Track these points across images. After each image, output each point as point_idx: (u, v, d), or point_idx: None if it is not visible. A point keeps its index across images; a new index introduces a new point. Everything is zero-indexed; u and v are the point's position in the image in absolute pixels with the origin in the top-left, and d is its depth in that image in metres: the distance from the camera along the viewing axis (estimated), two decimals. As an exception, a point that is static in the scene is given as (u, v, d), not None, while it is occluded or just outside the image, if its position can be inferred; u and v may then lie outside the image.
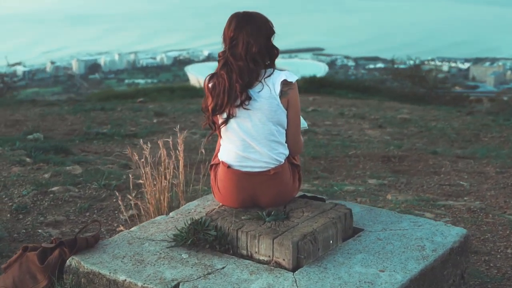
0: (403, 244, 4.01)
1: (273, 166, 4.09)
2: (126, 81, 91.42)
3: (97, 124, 12.25)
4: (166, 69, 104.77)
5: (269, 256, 3.79)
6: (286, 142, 4.20)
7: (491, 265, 5.00)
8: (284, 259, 3.73)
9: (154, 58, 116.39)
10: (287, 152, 4.17)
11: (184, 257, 3.88)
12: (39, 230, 5.46)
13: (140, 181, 4.95)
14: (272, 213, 4.07)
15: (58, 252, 3.97)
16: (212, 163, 4.31)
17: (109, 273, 3.73)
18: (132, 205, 5.20)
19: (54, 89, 76.39)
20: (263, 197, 4.15)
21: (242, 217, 4.05)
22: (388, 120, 13.41)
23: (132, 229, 4.36)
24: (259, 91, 4.01)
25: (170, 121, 12.77)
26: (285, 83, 4.04)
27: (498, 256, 5.15)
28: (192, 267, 3.74)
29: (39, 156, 7.94)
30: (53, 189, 6.46)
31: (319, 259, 3.82)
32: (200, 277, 3.64)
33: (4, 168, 7.44)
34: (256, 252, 3.84)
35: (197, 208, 4.60)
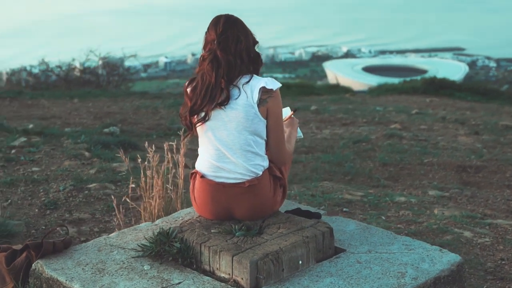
0: (382, 269, 3.70)
1: (248, 178, 3.87)
2: (264, 75, 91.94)
3: (185, 119, 12.25)
4: (304, 65, 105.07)
5: (229, 274, 3.58)
6: (267, 153, 3.96)
7: (514, 294, 4.59)
8: (242, 278, 3.51)
9: (293, 53, 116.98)
10: (265, 164, 3.93)
11: (145, 268, 3.72)
12: (57, 228, 5.43)
13: (132, 185, 4.83)
14: (243, 227, 3.85)
15: (25, 255, 3.91)
16: (192, 171, 4.12)
17: (65, 281, 3.64)
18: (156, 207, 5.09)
19: (194, 80, 77.86)
20: (238, 210, 3.94)
21: (212, 230, 3.86)
22: (489, 126, 12.74)
23: (111, 235, 4.25)
24: (236, 98, 3.81)
25: (260, 119, 12.61)
26: (264, 91, 3.81)
27: (526, 284, 4.72)
28: (148, 280, 3.58)
29: (97, 151, 7.98)
30: (90, 185, 6.46)
31: (282, 280, 3.58)
32: (151, 293, 3.47)
33: (58, 161, 7.52)
34: (217, 269, 3.64)
35: (186, 216, 4.43)
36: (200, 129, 3.92)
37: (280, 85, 3.90)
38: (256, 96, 3.80)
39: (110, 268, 3.75)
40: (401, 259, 3.84)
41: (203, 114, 3.86)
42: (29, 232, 5.38)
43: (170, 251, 3.77)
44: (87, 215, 5.76)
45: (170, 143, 5.03)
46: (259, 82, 3.82)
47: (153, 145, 5.04)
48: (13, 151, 8.03)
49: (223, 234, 3.81)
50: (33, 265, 3.86)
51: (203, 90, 3.84)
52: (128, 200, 4.90)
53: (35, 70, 24.16)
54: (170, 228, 3.89)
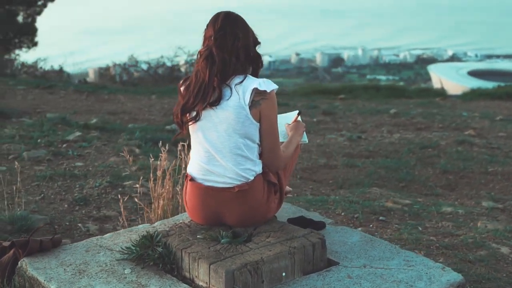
0: (372, 286, 3.46)
1: (238, 182, 3.70)
2: (368, 76, 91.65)
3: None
4: (408, 67, 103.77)
5: (207, 282, 3.42)
6: (261, 158, 3.78)
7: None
8: (218, 288, 3.34)
9: (397, 55, 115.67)
10: (257, 168, 3.74)
11: (126, 272, 3.61)
12: (79, 224, 5.40)
13: (137, 185, 4.74)
14: (229, 234, 3.68)
15: (12, 252, 3.85)
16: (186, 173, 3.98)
17: (44, 280, 3.56)
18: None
19: (297, 80, 78.10)
20: (228, 216, 3.78)
21: (198, 236, 3.70)
22: None
23: (105, 235, 4.16)
24: (228, 99, 3.64)
25: (331, 121, 12.39)
26: (258, 92, 3.62)
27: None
28: (124, 285, 3.46)
29: (146, 148, 7.94)
30: (126, 183, 6.40)
31: (261, 292, 3.39)
32: (124, 298, 3.35)
33: (104, 157, 7.51)
34: (196, 277, 3.49)
35: (187, 219, 4.28)
36: (191, 129, 3.79)
37: (276, 87, 3.69)
38: (248, 97, 3.61)
39: (91, 270, 3.65)
40: (397, 275, 3.59)
41: (194, 113, 3.72)
42: (51, 228, 5.34)
43: (152, 255, 3.64)
44: (115, 212, 5.69)
45: (183, 143, 4.89)
46: (252, 83, 3.63)
47: (167, 145, 4.92)
48: (64, 145, 8.08)
49: (208, 240, 3.66)
50: (19, 263, 3.80)
51: (196, 88, 3.69)
52: (136, 200, 4.80)
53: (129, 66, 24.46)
54: (155, 231, 3.77)
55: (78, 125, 9.53)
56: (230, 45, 3.66)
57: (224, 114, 3.64)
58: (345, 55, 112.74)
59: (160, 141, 5.18)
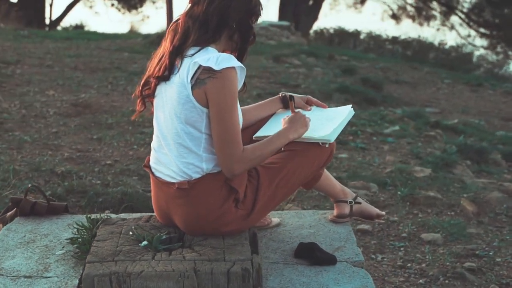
0: None
1: (181, 179, 3.01)
2: None
3: None
4: None
5: (87, 283, 2.89)
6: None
7: None
8: (85, 291, 2.81)
9: None
10: (205, 166, 2.98)
11: (57, 252, 3.25)
12: (30, 186, 5.05)
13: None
14: (151, 238, 3.03)
15: (15, 210, 3.75)
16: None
17: (-3, 244, 3.39)
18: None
19: None
20: (174, 216, 3.12)
21: (130, 232, 3.13)
22: None
23: (121, 214, 3.83)
24: (176, 74, 2.98)
25: None
26: (205, 69, 2.88)
27: None
28: (34, 264, 3.13)
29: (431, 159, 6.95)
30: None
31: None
32: (13, 277, 3.02)
33: (380, 154, 6.83)
34: (93, 274, 2.97)
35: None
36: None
37: (237, 65, 2.86)
38: (191, 74, 2.89)
39: (39, 242, 3.37)
40: None
41: (151, 88, 3.12)
42: (40, 192, 5.10)
43: (82, 240, 3.21)
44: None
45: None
46: (200, 57, 2.90)
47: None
48: (367, 136, 7.47)
49: (131, 239, 3.08)
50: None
51: (156, 59, 3.09)
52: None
53: None
54: (104, 216, 3.31)
55: (428, 122, 8.66)
56: (200, 11, 2.97)
57: (169, 93, 2.99)
58: None
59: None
